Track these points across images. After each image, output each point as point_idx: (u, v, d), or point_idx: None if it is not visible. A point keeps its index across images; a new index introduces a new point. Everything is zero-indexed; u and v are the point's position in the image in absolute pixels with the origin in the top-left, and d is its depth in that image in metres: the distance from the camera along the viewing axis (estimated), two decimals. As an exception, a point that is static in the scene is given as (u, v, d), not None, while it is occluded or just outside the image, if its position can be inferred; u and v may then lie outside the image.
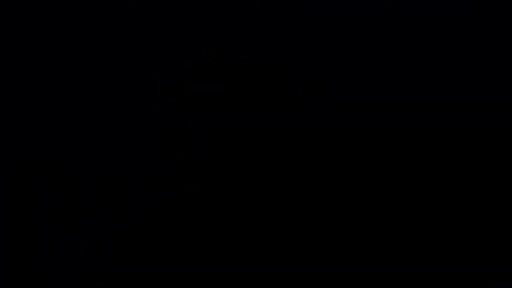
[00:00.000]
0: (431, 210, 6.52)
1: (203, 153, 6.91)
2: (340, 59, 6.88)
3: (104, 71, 6.96)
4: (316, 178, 6.68)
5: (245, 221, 6.74)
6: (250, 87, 6.98)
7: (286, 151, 6.92)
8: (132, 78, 6.97)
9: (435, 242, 6.43)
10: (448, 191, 6.50)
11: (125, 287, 6.40)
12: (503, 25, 6.71)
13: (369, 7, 6.91)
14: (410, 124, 6.79)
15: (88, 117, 6.88)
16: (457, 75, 6.74)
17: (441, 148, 6.69)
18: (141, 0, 7.04)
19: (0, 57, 6.92)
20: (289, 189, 6.75)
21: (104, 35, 7.01)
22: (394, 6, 6.89)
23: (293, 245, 6.51)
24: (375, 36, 6.90)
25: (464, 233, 6.40)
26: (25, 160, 6.73)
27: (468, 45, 6.77)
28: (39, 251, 6.47)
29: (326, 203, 6.58)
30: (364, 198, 6.57)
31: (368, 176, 6.67)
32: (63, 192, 6.69)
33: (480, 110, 6.61)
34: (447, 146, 6.67)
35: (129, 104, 6.99)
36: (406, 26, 6.85)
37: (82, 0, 7.03)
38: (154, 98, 6.96)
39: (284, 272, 6.43)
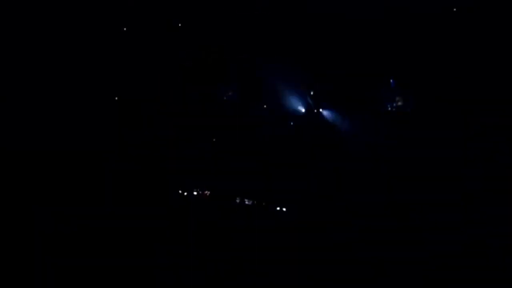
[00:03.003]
0: None
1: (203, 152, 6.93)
2: (340, 58, 6.89)
3: (104, 72, 6.96)
4: None
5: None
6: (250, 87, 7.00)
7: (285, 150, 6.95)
8: (132, 79, 6.98)
9: None
10: None
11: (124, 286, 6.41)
12: (502, 25, 6.70)
13: (369, 7, 6.91)
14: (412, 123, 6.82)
15: (88, 117, 6.89)
16: (457, 73, 6.74)
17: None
18: (141, 1, 7.04)
19: (1, 61, 6.95)
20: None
21: (104, 37, 7.02)
22: (394, 6, 6.88)
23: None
24: (375, 36, 6.91)
25: None
26: (25, 161, 6.75)
27: (467, 44, 6.77)
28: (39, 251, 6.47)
29: None
30: None
31: None
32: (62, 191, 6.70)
33: (478, 107, 6.63)
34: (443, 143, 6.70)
35: (129, 104, 6.99)
36: (406, 26, 6.86)
37: (83, 1, 7.04)
38: (154, 97, 6.96)
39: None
